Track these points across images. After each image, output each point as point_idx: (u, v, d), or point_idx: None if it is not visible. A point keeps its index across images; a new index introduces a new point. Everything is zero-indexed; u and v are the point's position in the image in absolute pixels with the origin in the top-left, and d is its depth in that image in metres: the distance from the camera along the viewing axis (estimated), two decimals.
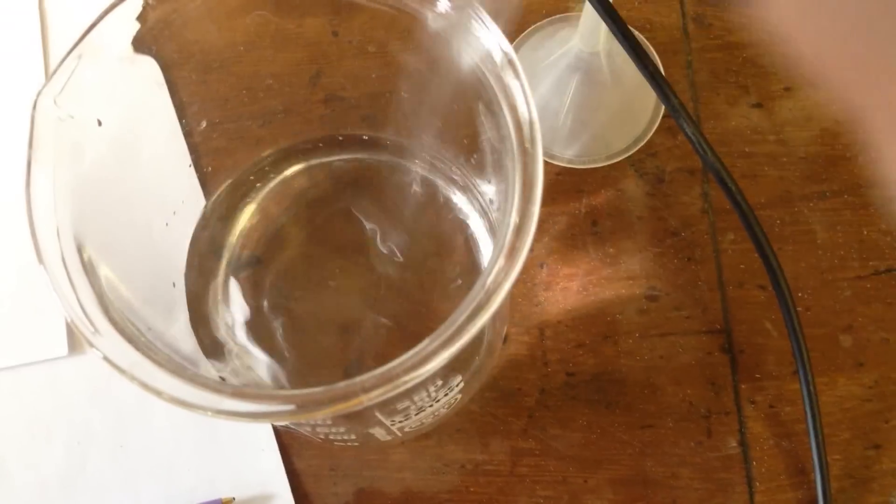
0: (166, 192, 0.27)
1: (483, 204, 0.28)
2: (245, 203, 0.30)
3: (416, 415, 0.25)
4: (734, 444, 0.30)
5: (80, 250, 0.19)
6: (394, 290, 0.29)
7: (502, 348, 0.31)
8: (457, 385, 0.25)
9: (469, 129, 0.24)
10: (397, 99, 0.27)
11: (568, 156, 0.33)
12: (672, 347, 0.31)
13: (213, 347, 0.27)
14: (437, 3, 0.20)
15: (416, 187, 0.29)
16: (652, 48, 0.33)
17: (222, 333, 0.28)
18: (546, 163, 0.31)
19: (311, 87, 0.30)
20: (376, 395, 0.17)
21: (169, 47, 0.23)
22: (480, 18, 0.20)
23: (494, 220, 0.27)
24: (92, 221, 0.20)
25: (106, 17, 0.20)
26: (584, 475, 0.30)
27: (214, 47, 0.25)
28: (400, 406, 0.23)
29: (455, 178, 0.29)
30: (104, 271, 0.20)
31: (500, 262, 0.18)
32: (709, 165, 0.27)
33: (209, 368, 0.24)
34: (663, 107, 0.32)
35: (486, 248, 0.28)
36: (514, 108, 0.19)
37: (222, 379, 0.25)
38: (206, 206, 0.29)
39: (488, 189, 0.27)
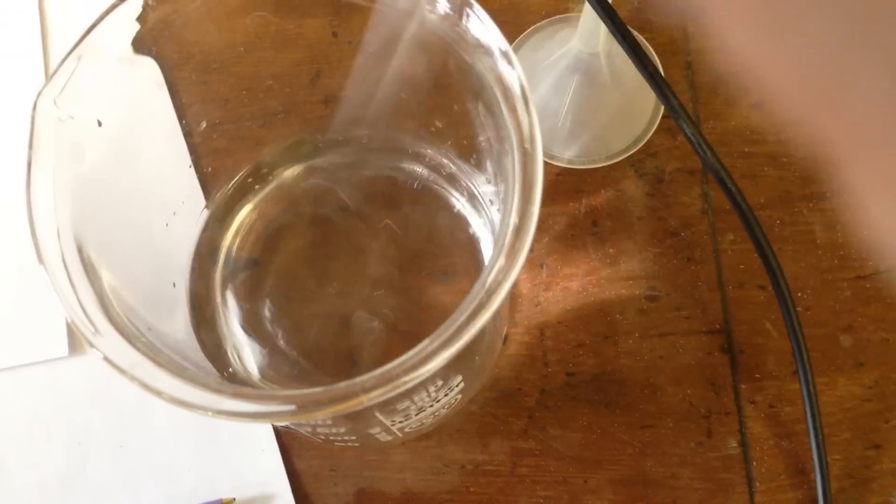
0: (166, 192, 0.27)
1: (483, 204, 0.28)
2: (244, 204, 0.30)
3: (417, 415, 0.25)
4: (734, 444, 0.30)
5: (80, 251, 0.19)
6: (393, 291, 0.29)
7: (502, 348, 0.31)
8: (457, 385, 0.25)
9: (469, 130, 0.24)
10: (397, 100, 0.27)
11: (568, 156, 0.33)
12: (672, 347, 0.31)
13: (213, 348, 0.27)
14: (437, 3, 0.20)
15: (415, 187, 0.29)
16: (651, 49, 0.33)
17: (222, 334, 0.28)
18: (546, 163, 0.31)
19: (310, 88, 0.30)
20: (376, 396, 0.17)
21: (169, 48, 0.23)
22: (480, 19, 0.20)
23: (494, 220, 0.27)
24: (92, 222, 0.20)
25: (106, 17, 0.20)
26: (584, 475, 0.30)
27: (214, 48, 0.25)
28: (400, 406, 0.23)
29: (455, 178, 0.29)
30: (104, 272, 0.20)
31: (500, 262, 0.18)
32: (708, 166, 0.27)
33: (210, 369, 0.24)
34: (663, 107, 0.32)
35: (486, 248, 0.28)
36: (513, 109, 0.19)
37: (223, 379, 0.25)
38: (205, 208, 0.29)
39: (488, 189, 0.27)
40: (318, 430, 0.25)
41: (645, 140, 0.32)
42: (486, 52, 0.20)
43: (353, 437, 0.26)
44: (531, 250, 0.20)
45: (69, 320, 0.18)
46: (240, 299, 0.29)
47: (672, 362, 0.31)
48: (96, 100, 0.21)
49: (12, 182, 0.23)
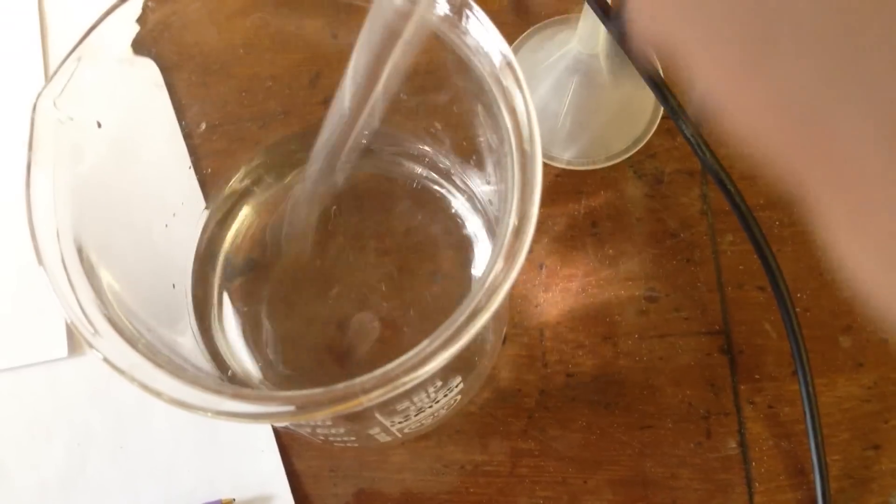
0: (166, 193, 0.27)
1: (482, 205, 0.28)
2: (243, 205, 0.30)
3: (416, 416, 0.25)
4: (733, 444, 0.30)
5: (79, 252, 0.19)
6: (392, 291, 0.29)
7: (502, 349, 0.31)
8: (456, 386, 0.25)
9: (468, 131, 0.24)
10: (396, 101, 0.27)
11: (567, 157, 0.33)
12: (671, 348, 0.31)
13: (212, 350, 0.27)
14: (436, 4, 0.20)
15: (415, 188, 0.29)
16: None
17: (221, 336, 0.28)
18: (545, 164, 0.31)
19: (310, 89, 0.30)
20: (376, 397, 0.17)
21: (169, 49, 0.23)
22: (479, 20, 0.20)
23: (493, 221, 0.27)
24: (92, 223, 0.20)
25: (106, 19, 0.20)
26: (583, 476, 0.30)
27: (214, 49, 0.25)
28: (399, 407, 0.23)
29: (454, 179, 0.29)
30: (104, 273, 0.20)
31: (500, 263, 0.18)
32: (708, 167, 0.27)
33: (209, 370, 0.24)
34: (662, 108, 0.32)
35: (485, 249, 0.28)
36: (513, 110, 0.19)
37: (222, 380, 0.25)
38: (205, 209, 0.29)
39: (487, 189, 0.27)
40: (318, 430, 0.25)
41: (644, 141, 0.33)
42: (486, 53, 0.20)
43: (353, 438, 0.26)
44: (530, 251, 0.20)
45: (69, 321, 0.18)
46: (239, 301, 0.29)
47: (671, 363, 0.31)
48: (96, 101, 0.21)
49: (12, 183, 0.23)
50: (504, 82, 0.19)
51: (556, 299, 0.31)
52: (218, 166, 0.29)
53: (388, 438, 0.27)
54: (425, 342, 0.17)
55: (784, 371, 0.30)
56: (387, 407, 0.23)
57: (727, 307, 0.31)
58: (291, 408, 0.17)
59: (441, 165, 0.29)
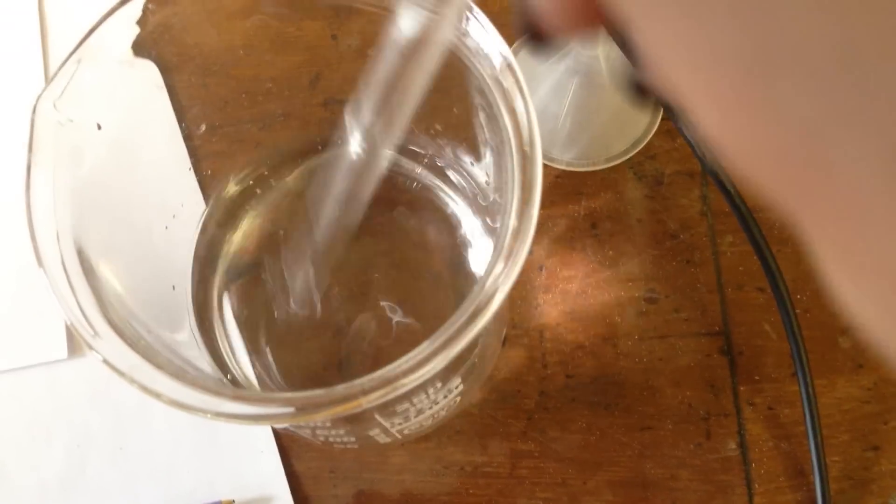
0: (166, 195, 0.27)
1: (482, 206, 0.28)
2: (243, 207, 0.30)
3: (416, 417, 0.25)
4: (733, 445, 0.30)
5: (79, 253, 0.19)
6: (391, 292, 0.29)
7: (501, 350, 0.31)
8: (456, 387, 0.25)
9: (468, 132, 0.24)
10: None
11: (567, 158, 0.33)
12: (671, 349, 0.31)
13: (212, 351, 0.27)
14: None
15: (414, 188, 0.29)
16: None
17: (221, 338, 0.28)
18: (545, 165, 0.31)
19: (310, 91, 0.30)
20: (376, 398, 0.17)
21: (169, 51, 0.23)
22: (479, 22, 0.20)
23: (493, 222, 0.27)
24: (91, 224, 0.20)
25: (106, 20, 0.20)
26: (583, 477, 0.30)
27: (214, 51, 0.25)
28: (399, 408, 0.23)
29: (454, 180, 0.29)
30: (104, 274, 0.20)
31: (499, 264, 0.18)
32: (708, 168, 0.27)
33: (209, 371, 0.24)
34: (662, 110, 0.32)
35: (484, 250, 0.28)
36: (512, 112, 0.19)
37: (222, 382, 0.25)
38: (205, 211, 0.29)
39: (487, 191, 0.27)
40: (318, 431, 0.25)
41: (644, 142, 0.33)
42: (486, 55, 0.20)
43: (353, 439, 0.26)
44: (530, 252, 0.20)
45: (68, 323, 0.18)
46: (239, 303, 0.29)
47: (671, 364, 0.31)
48: (96, 103, 0.21)
49: (12, 184, 0.23)
50: (504, 84, 0.19)
51: (556, 300, 0.31)
52: (218, 168, 0.29)
53: (388, 440, 0.27)
54: (425, 344, 0.17)
55: (784, 372, 0.30)
56: (387, 408, 0.23)
57: (727, 308, 0.31)
58: (291, 409, 0.17)
59: (441, 166, 0.29)
